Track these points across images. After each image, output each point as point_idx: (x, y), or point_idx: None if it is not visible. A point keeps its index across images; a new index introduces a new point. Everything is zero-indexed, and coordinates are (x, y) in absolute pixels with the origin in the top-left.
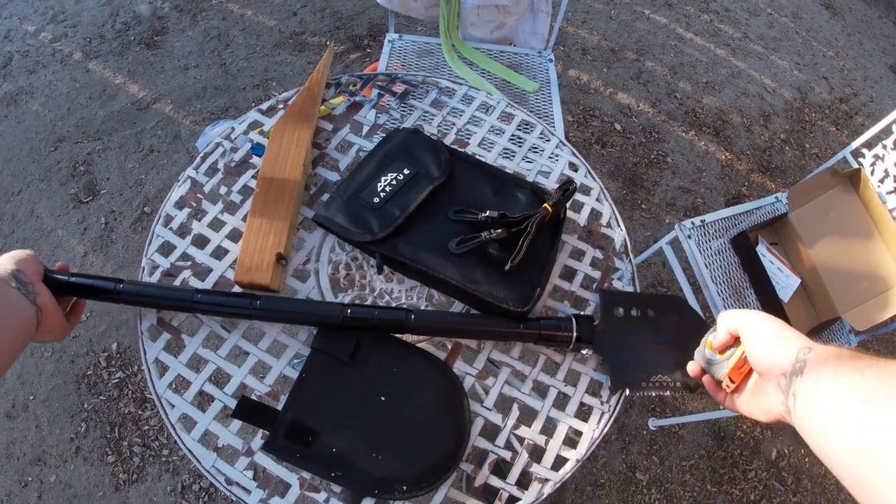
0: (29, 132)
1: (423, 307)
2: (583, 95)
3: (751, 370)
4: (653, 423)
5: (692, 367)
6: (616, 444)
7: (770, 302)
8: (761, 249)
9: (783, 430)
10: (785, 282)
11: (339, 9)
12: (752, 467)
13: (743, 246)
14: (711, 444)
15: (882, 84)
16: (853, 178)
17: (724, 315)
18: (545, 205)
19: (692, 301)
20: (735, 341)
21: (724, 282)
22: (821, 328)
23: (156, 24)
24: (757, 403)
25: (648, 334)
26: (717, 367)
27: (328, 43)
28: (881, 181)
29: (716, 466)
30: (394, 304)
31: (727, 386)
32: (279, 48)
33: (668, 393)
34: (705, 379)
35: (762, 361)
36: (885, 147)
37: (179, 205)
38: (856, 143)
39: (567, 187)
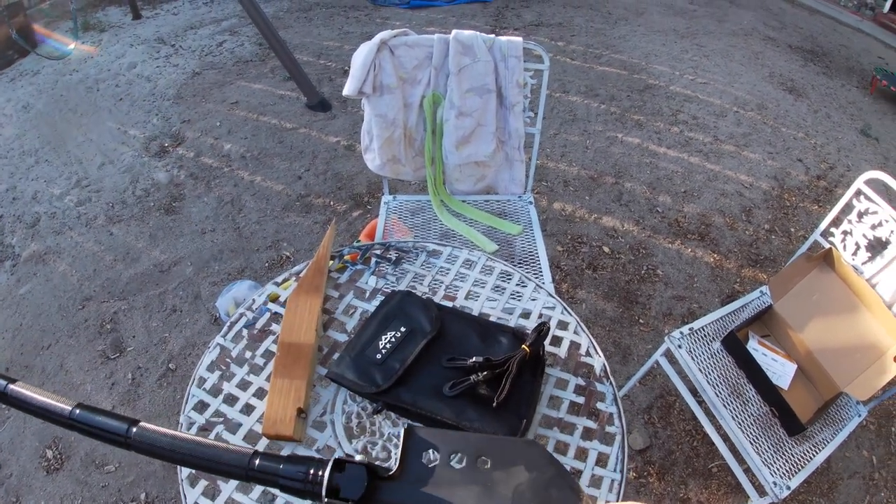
0: (57, 290)
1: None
2: (569, 225)
3: None
4: None
5: None
6: None
7: (769, 393)
8: (752, 344)
9: None
10: (781, 370)
11: (340, 170)
12: None
13: (733, 345)
14: None
15: (856, 150)
16: (827, 258)
17: None
18: (523, 346)
19: (693, 405)
20: None
21: (721, 383)
22: (826, 406)
23: (173, 190)
24: None
25: (477, 493)
26: None
27: (331, 203)
28: (854, 254)
29: None
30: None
31: None
32: (287, 210)
33: None
34: None
35: None
36: (850, 222)
37: (211, 368)
38: (823, 225)
39: (541, 329)
